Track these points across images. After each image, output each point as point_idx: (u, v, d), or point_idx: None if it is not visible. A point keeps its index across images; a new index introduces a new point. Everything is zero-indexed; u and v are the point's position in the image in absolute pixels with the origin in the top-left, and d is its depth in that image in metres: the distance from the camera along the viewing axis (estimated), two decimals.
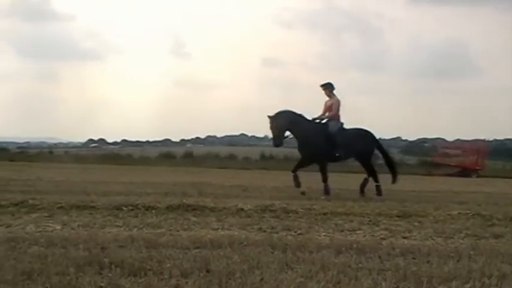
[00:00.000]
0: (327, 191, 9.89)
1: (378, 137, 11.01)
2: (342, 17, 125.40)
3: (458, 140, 43.61)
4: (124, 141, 63.48)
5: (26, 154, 33.09)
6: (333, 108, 10.32)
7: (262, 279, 3.62)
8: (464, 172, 26.66)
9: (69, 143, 65.68)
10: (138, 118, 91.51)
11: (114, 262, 3.84)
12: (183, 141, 66.02)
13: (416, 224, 6.55)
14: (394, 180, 10.61)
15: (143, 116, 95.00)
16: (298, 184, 10.01)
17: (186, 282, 3.50)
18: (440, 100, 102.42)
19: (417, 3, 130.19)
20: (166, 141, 66.52)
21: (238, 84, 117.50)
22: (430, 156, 33.76)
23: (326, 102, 10.44)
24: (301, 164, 10.22)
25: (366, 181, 10.46)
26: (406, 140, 68.92)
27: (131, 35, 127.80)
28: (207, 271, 3.76)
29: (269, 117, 9.96)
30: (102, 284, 3.41)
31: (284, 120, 9.97)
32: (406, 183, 17.23)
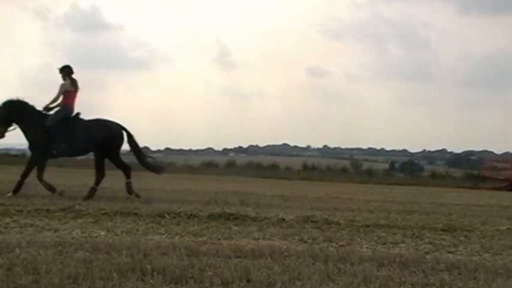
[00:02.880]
0: (51, 189, 8.95)
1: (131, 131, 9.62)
2: (389, 27, 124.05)
3: (507, 152, 42.33)
4: (167, 149, 64.40)
5: (73, 160, 33.99)
6: (57, 93, 9.18)
7: None
8: None
9: None
10: (182, 127, 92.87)
11: (156, 269, 3.89)
12: (226, 150, 66.66)
13: (462, 238, 6.37)
14: (156, 171, 9.91)
15: (187, 124, 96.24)
16: (52, 189, 9.03)
17: None
18: (488, 112, 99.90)
19: (467, 13, 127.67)
20: (209, 150, 67.25)
21: (282, 93, 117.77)
22: (477, 169, 32.90)
23: None
24: (33, 165, 9.08)
25: (128, 184, 9.42)
26: (451, 152, 67.47)
27: (178, 44, 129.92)
28: (248, 281, 3.76)
29: None
30: None
31: (8, 111, 9.05)
32: (452, 196, 16.86)
